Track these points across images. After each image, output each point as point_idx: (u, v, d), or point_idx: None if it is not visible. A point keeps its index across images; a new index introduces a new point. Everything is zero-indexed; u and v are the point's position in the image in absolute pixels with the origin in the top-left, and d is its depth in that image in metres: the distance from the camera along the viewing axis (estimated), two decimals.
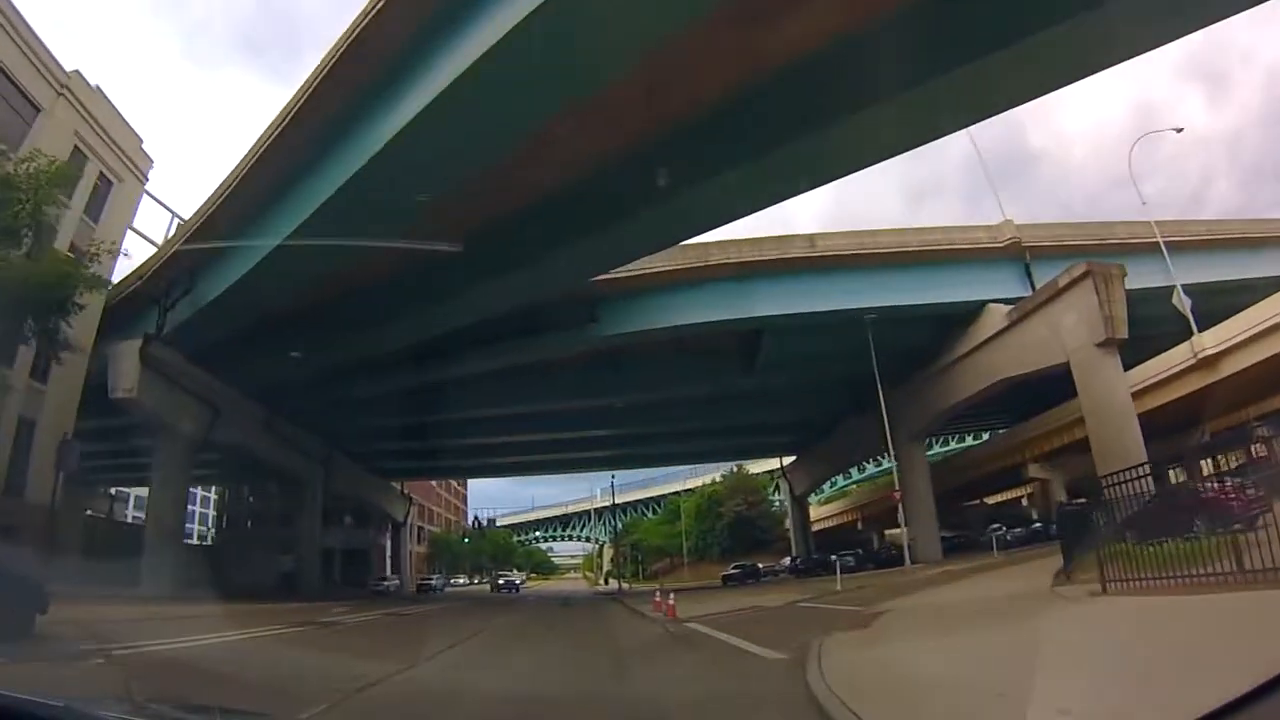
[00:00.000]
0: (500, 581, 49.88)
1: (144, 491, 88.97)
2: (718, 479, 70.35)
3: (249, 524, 63.57)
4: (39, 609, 9.56)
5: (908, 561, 29.29)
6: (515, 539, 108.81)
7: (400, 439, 40.17)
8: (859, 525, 56.97)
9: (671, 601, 17.01)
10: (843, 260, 27.84)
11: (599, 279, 25.53)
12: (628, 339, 27.71)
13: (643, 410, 36.97)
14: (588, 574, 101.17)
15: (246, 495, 63.99)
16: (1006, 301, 29.32)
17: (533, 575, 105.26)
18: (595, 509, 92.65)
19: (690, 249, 26.37)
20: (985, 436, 58.35)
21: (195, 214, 24.09)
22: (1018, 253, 30.41)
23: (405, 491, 56.01)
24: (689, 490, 76.44)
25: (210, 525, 76.48)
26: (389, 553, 56.48)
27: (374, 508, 50.82)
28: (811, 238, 27.86)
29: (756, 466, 66.18)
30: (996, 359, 29.05)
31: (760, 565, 43.10)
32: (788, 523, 65.90)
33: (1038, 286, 28.51)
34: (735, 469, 66.03)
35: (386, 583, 49.01)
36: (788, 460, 51.33)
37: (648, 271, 25.75)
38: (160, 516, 26.37)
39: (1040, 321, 26.66)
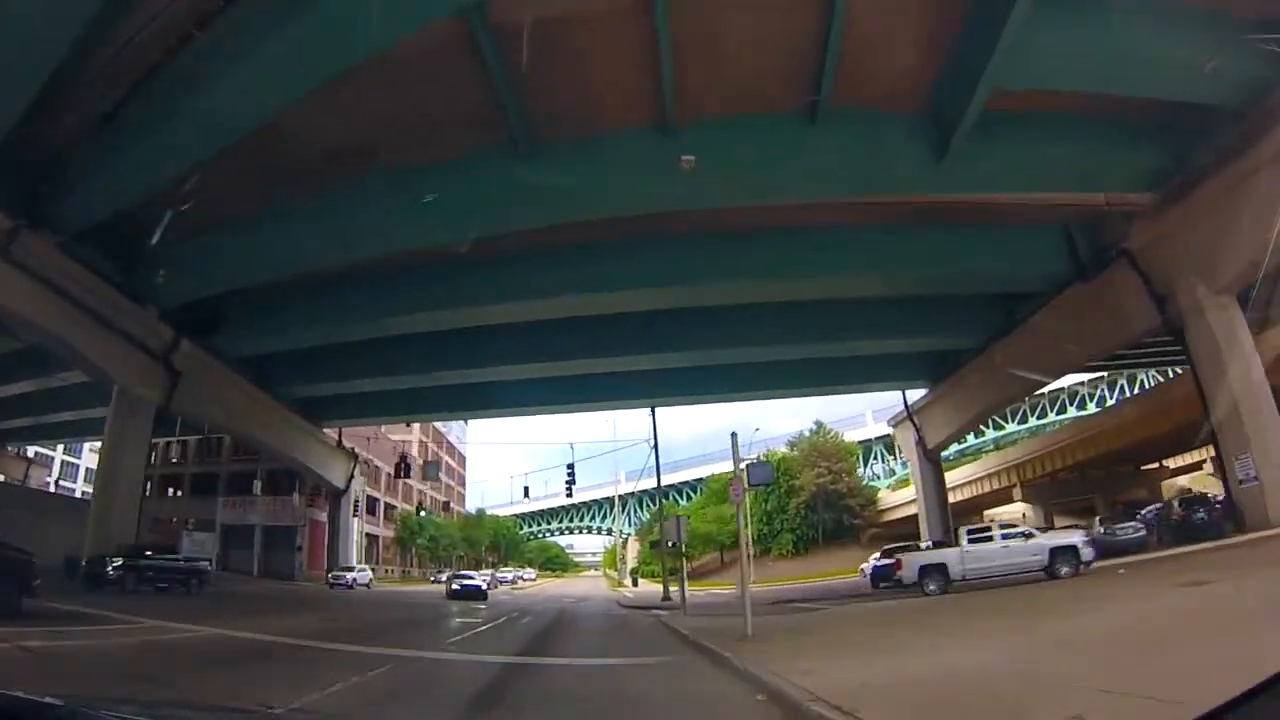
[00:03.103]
0: (457, 586, 30.16)
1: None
2: (787, 450, 52.86)
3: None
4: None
5: None
6: (524, 530, 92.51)
7: (319, 316, 23.34)
8: (1014, 497, 39.01)
9: None
10: None
11: None
12: None
13: (725, 260, 20.14)
14: (609, 571, 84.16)
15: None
16: None
17: (544, 571, 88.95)
18: (619, 494, 75.42)
19: None
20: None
21: None
22: None
23: (343, 443, 38.34)
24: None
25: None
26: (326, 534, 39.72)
27: (287, 460, 34.11)
28: None
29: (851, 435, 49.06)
30: None
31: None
32: (891, 498, 48.53)
33: None
34: (816, 428, 48.87)
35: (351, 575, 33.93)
36: (914, 397, 33.75)
37: None
38: None
39: None
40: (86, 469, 77.83)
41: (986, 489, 39.83)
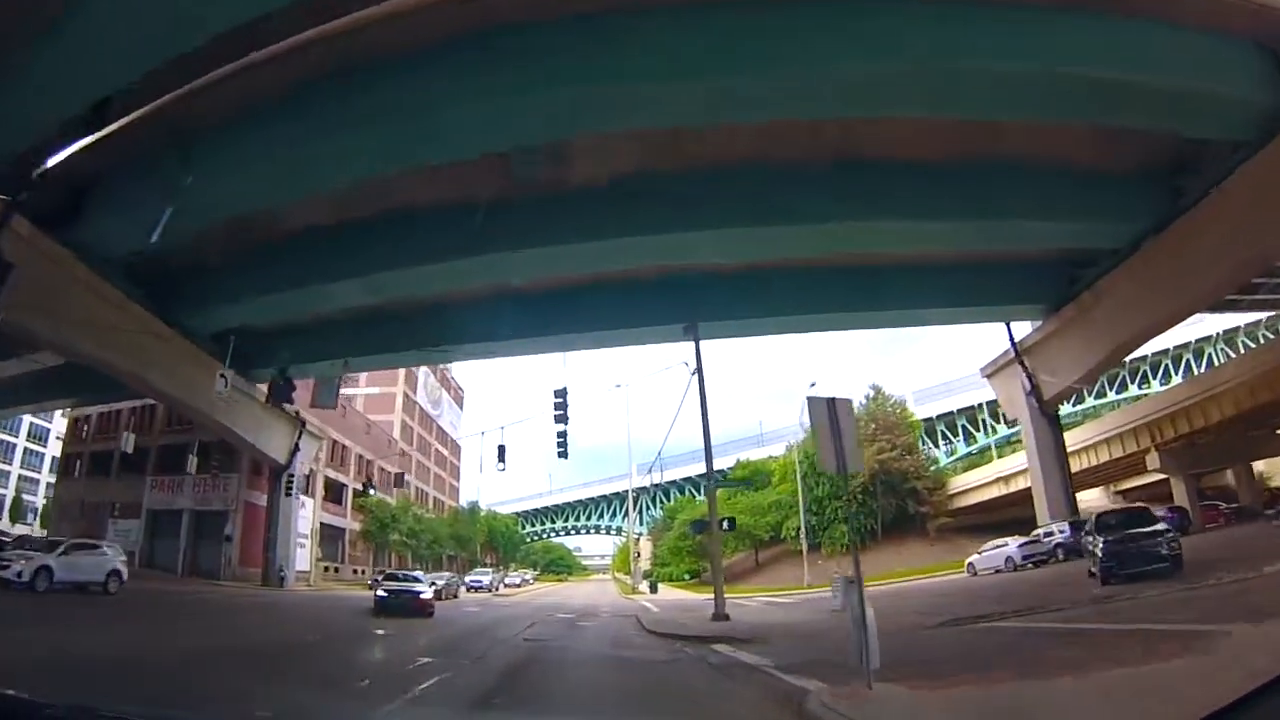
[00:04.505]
0: (384, 593, 18.82)
1: None
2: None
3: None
4: None
5: None
6: (527, 529, 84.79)
7: (215, 168, 15.76)
8: (1147, 466, 30.28)
9: None
10: None
11: None
12: None
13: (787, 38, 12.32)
14: (619, 575, 76.11)
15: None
16: None
17: (547, 574, 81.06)
18: (633, 488, 67.31)
19: None
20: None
21: None
22: None
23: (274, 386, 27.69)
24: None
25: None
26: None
27: (208, 422, 26.05)
28: None
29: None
30: None
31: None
32: (962, 481, 40.51)
33: None
34: (874, 394, 41.14)
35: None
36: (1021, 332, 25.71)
37: None
38: None
39: None
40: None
41: (1105, 457, 31.42)
